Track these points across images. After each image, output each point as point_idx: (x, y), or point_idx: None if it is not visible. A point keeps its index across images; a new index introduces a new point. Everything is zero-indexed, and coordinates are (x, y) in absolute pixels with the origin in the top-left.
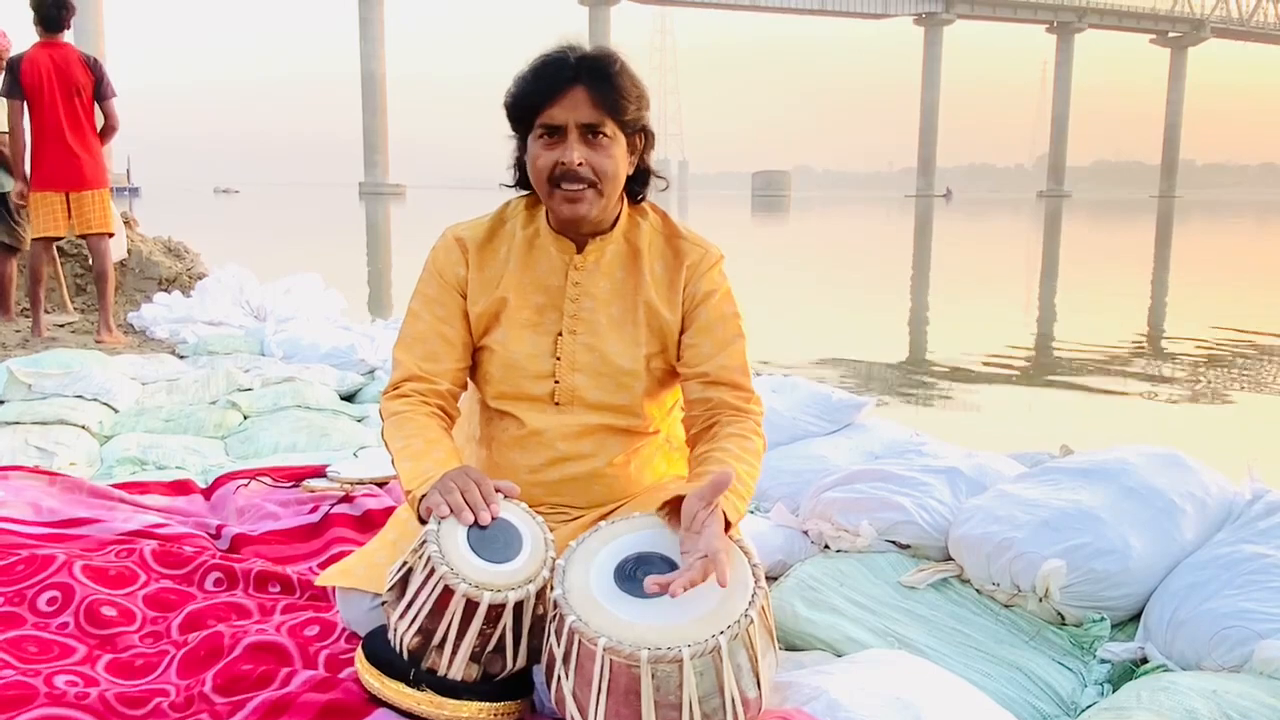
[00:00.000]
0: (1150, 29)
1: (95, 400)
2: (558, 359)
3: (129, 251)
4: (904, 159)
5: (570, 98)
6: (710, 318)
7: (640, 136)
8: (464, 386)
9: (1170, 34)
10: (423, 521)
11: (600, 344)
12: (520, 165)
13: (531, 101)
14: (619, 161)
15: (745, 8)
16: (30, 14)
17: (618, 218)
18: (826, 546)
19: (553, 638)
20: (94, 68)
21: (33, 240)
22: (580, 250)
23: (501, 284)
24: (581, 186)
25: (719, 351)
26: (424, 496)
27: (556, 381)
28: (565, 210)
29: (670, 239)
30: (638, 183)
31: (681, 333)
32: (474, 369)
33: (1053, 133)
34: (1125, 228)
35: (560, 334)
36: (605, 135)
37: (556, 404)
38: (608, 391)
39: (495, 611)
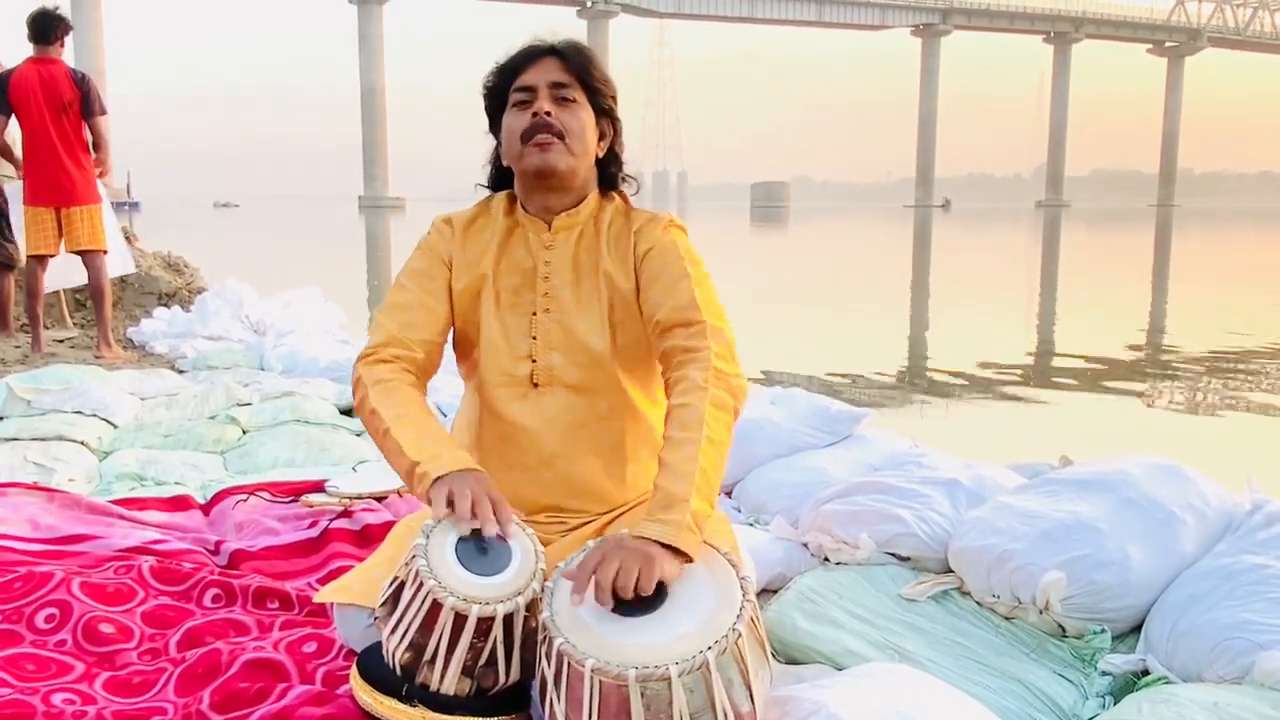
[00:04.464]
0: (1147, 39)
1: (94, 416)
2: (534, 338)
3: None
4: (902, 169)
5: (542, 64)
6: (655, 267)
7: (608, 123)
8: (437, 364)
9: (1167, 44)
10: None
11: (570, 321)
12: (497, 163)
13: (507, 70)
14: (586, 125)
15: (743, 20)
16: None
17: (585, 199)
18: (826, 559)
19: (543, 660)
20: (80, 84)
21: (28, 258)
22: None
23: (482, 263)
24: (551, 136)
25: (667, 295)
26: (439, 478)
27: (534, 361)
28: (535, 159)
29: (626, 213)
30: (610, 165)
31: (638, 295)
32: (460, 359)
33: (1051, 143)
34: (1124, 237)
35: (535, 314)
36: (574, 101)
37: (535, 385)
38: (583, 369)
39: (484, 624)
